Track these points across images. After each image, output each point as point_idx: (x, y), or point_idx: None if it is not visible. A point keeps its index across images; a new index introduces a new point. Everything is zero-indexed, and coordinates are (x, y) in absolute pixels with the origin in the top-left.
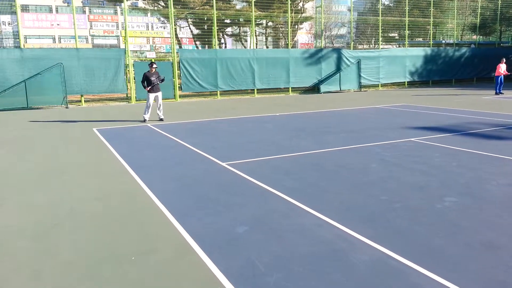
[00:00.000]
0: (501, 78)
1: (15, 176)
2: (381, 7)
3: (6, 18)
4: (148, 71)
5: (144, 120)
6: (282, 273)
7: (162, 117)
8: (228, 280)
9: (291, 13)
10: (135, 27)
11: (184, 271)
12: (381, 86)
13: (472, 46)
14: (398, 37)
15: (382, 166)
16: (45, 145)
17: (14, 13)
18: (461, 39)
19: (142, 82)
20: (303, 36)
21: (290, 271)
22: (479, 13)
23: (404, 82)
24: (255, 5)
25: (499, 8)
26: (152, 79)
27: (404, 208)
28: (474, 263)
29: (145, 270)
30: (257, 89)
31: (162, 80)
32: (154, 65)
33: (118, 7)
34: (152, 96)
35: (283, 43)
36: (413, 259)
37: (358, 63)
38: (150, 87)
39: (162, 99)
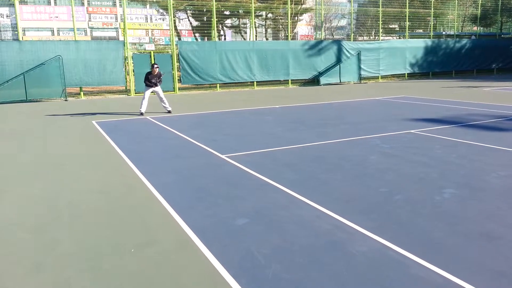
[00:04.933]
0: None
1: (15, 169)
2: None
3: (5, 10)
4: (150, 73)
5: (141, 114)
6: (281, 265)
7: (169, 109)
8: (228, 272)
9: (291, 4)
10: (134, 19)
11: (184, 263)
12: (381, 78)
13: (473, 37)
14: (398, 29)
15: (382, 158)
16: (44, 138)
17: (12, 5)
18: (461, 31)
19: (144, 81)
20: (303, 27)
21: (289, 262)
22: (480, 4)
23: (404, 74)
24: None
25: None
26: (153, 81)
27: (404, 200)
28: (473, 254)
29: (145, 262)
30: (257, 82)
31: (158, 84)
32: (156, 66)
33: None
34: (149, 89)
35: (282, 35)
36: (412, 250)
37: (358, 55)
38: (147, 82)
39: (163, 92)
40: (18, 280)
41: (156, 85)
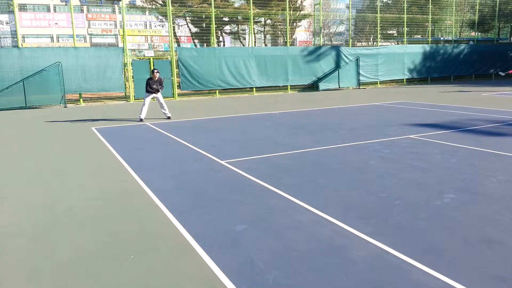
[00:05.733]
0: None
1: (14, 175)
2: (379, 4)
3: (4, 17)
4: (151, 78)
5: (140, 120)
6: (281, 270)
7: (169, 115)
8: (227, 278)
9: (290, 10)
10: (133, 26)
11: (184, 270)
12: (379, 83)
13: (471, 42)
14: (396, 34)
15: (381, 163)
16: (44, 144)
17: (12, 12)
18: (459, 36)
19: (146, 87)
20: (302, 33)
21: (289, 268)
22: (477, 10)
23: (403, 79)
24: (253, 3)
25: (498, 4)
26: (154, 86)
27: (403, 205)
28: (474, 259)
29: (144, 269)
30: (256, 87)
31: (159, 90)
32: (156, 72)
33: (116, 5)
34: (149, 96)
35: (281, 41)
36: (412, 256)
37: (357, 60)
38: (148, 90)
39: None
40: (17, 287)
41: (157, 91)
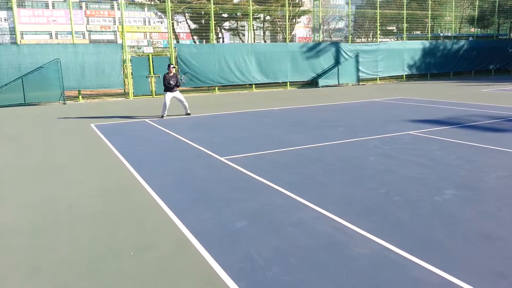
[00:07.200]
0: None
1: (13, 173)
2: (378, 0)
3: (2, 14)
4: (167, 73)
5: (162, 116)
6: (281, 267)
7: (188, 111)
8: (227, 274)
9: (289, 6)
10: (132, 22)
11: (183, 266)
12: (379, 79)
13: (470, 38)
14: (396, 30)
15: (381, 159)
16: (42, 142)
17: (10, 9)
18: (459, 32)
19: (164, 84)
20: (301, 30)
21: (289, 264)
22: (477, 6)
23: (403, 75)
24: None
25: (497, 0)
26: (171, 82)
27: (403, 201)
28: (473, 255)
29: (144, 266)
30: (255, 84)
31: (178, 85)
32: (172, 67)
33: (115, 2)
34: (168, 95)
35: (281, 37)
36: (412, 252)
37: (356, 56)
38: (166, 87)
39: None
40: (16, 284)
41: (176, 86)
